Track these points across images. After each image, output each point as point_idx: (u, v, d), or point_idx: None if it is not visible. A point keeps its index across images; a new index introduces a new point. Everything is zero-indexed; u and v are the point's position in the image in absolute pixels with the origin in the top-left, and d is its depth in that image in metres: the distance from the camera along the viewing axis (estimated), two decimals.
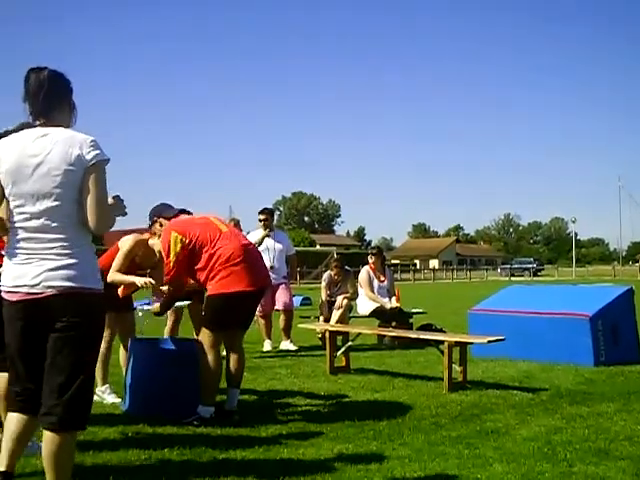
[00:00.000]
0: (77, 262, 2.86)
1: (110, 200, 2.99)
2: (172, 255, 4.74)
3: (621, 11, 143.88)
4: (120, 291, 5.28)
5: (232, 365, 4.88)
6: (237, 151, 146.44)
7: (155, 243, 5.36)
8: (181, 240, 4.73)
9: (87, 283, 2.87)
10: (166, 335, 7.39)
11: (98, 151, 2.89)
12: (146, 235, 5.44)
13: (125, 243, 5.30)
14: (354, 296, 9.32)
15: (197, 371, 4.73)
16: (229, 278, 4.70)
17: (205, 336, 4.75)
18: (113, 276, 5.21)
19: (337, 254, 35.54)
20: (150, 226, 5.44)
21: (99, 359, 5.35)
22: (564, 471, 3.59)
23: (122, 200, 3.06)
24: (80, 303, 2.85)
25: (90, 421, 4.60)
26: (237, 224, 7.88)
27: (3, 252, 3.05)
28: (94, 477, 3.46)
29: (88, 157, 2.85)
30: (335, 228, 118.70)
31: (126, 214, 3.14)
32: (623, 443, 4.11)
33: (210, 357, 4.70)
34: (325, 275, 9.83)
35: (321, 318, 9.35)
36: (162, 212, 5.23)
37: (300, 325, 8.34)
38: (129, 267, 5.25)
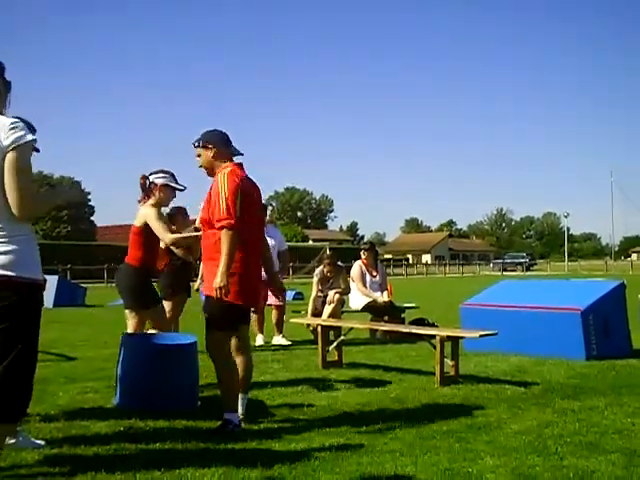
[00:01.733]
0: (12, 249, 2.75)
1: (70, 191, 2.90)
2: (237, 203, 4.26)
3: (621, 10, 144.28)
4: (181, 252, 6.16)
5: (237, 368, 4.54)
6: None
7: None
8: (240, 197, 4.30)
9: (21, 271, 2.76)
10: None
11: (19, 133, 2.76)
12: (146, 202, 5.36)
13: (150, 214, 5.22)
14: (346, 291, 9.33)
15: (188, 365, 4.64)
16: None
17: (209, 340, 4.41)
18: (172, 238, 5.28)
19: (330, 249, 35.55)
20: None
21: None
22: (555, 465, 3.61)
23: (79, 187, 2.95)
24: (11, 291, 2.74)
25: (82, 415, 4.65)
26: None
27: None
28: (87, 470, 3.45)
29: (6, 142, 2.73)
30: (328, 223, 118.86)
31: (84, 203, 3.02)
32: (613, 437, 4.13)
33: (221, 360, 4.38)
34: (317, 270, 9.82)
35: (309, 311, 9.34)
36: (221, 145, 4.50)
37: (292, 320, 8.35)
38: (155, 237, 5.29)
